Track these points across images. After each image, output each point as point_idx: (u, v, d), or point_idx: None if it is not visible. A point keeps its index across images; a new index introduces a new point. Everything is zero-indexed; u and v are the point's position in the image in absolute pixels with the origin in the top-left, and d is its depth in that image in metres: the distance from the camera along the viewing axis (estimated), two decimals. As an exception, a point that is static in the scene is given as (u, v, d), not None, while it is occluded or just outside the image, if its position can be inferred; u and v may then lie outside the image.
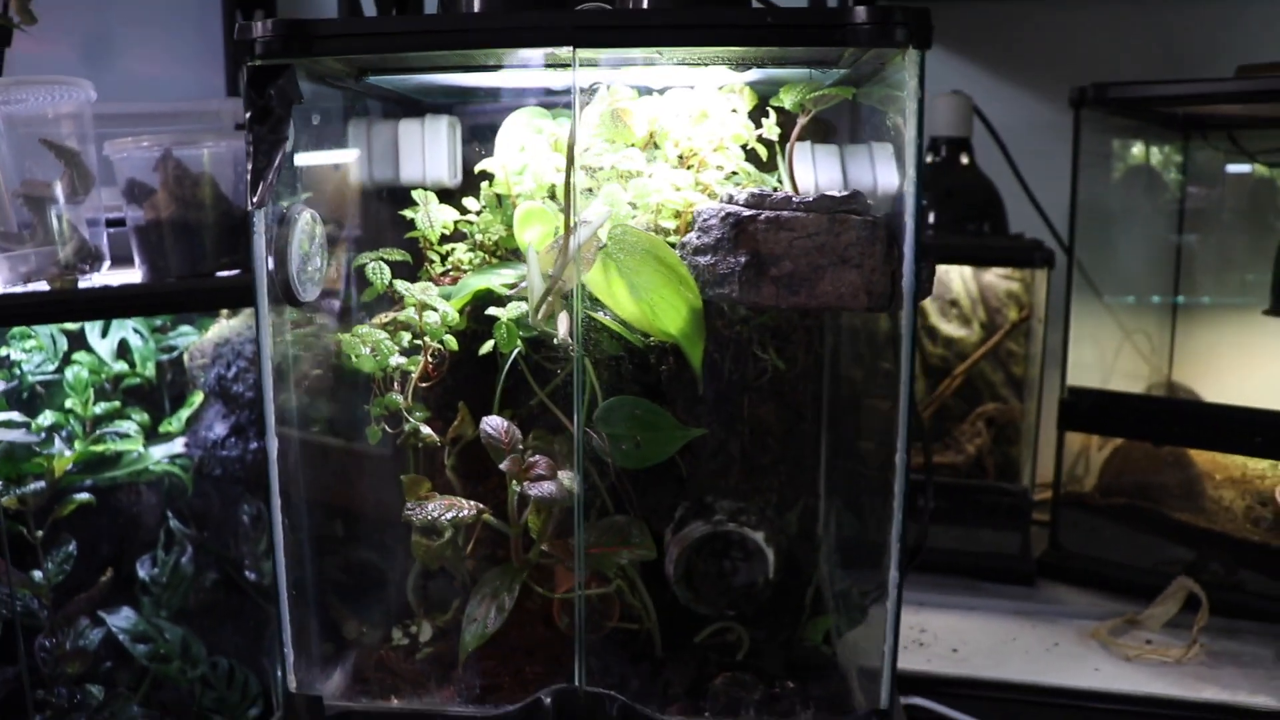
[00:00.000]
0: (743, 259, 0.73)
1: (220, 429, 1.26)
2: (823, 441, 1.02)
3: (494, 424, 0.78)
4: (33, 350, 1.28)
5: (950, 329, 1.56)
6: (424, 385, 0.85)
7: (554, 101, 0.90)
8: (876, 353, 1.08)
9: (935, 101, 1.50)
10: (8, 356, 1.27)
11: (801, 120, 0.88)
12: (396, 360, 0.83)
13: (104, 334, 1.33)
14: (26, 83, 1.09)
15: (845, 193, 0.75)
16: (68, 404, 1.28)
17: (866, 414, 1.06)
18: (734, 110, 0.88)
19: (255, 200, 0.67)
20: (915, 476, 0.84)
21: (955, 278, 1.54)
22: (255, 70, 0.66)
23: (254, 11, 1.76)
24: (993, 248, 1.44)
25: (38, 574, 1.19)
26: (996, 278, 1.52)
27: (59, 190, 1.09)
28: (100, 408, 1.30)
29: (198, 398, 1.34)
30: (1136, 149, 1.53)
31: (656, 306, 0.77)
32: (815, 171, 0.93)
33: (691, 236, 0.78)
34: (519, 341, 0.83)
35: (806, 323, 0.95)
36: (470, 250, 0.90)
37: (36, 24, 1.22)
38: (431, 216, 0.87)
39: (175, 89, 1.64)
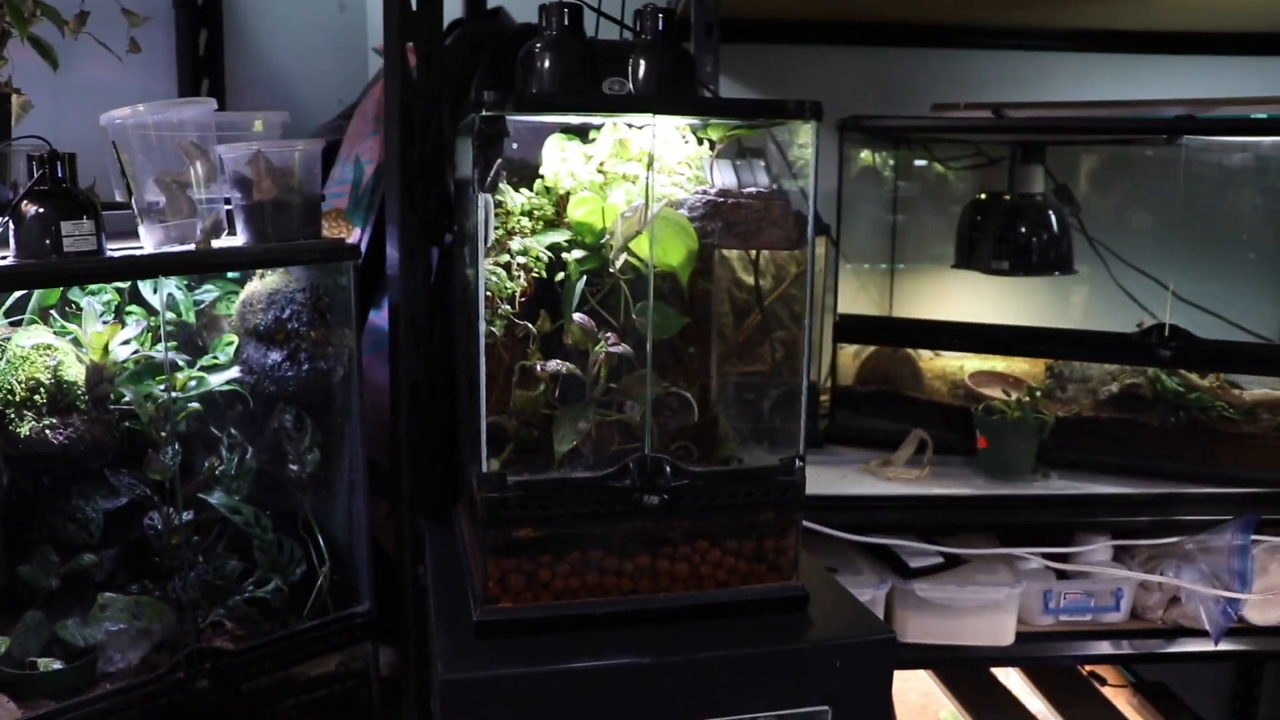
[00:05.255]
0: (719, 223, 1.47)
1: (276, 356, 1.81)
2: (713, 340, 1.79)
3: (581, 317, 1.47)
4: (109, 302, 1.76)
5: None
6: (522, 300, 1.51)
7: (575, 130, 1.59)
8: (742, 289, 1.87)
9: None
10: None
11: (719, 147, 1.64)
12: (510, 285, 1.49)
13: (155, 290, 1.83)
14: (170, 105, 1.61)
15: (770, 188, 1.51)
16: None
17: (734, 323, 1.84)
18: (685, 140, 1.62)
19: (485, 188, 1.31)
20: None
21: (759, 247, 2.37)
22: (484, 118, 1.31)
23: (200, 30, 2.26)
24: (789, 225, 2.27)
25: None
26: (786, 246, 2.35)
27: (196, 177, 1.61)
28: (160, 348, 1.80)
29: (232, 338, 1.87)
30: (874, 158, 2.43)
31: (667, 249, 1.49)
32: (721, 175, 1.70)
33: (683, 211, 1.51)
34: (579, 274, 1.52)
35: (706, 266, 1.71)
36: (531, 221, 1.57)
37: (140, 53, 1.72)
38: (514, 200, 1.53)
39: (129, 94, 2.10)
